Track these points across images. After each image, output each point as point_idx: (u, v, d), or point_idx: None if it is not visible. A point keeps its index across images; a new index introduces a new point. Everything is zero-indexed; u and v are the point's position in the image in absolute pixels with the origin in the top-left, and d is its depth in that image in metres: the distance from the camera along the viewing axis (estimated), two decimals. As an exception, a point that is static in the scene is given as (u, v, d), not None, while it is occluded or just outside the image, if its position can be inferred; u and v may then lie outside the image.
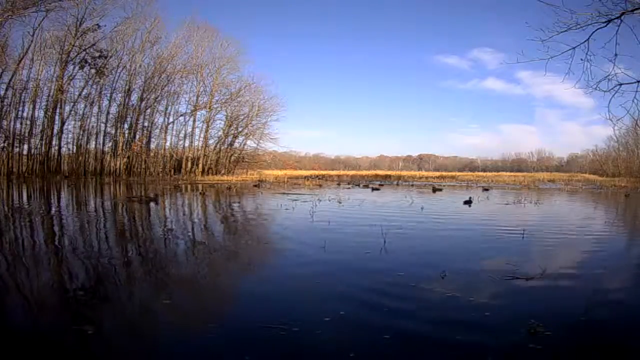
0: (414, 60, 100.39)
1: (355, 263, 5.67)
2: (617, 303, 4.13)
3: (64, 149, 35.92)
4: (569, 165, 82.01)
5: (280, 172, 49.22)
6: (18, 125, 33.54)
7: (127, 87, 37.00)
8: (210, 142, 42.70)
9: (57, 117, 34.38)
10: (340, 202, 14.81)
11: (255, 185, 27.21)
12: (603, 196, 22.88)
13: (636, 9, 6.00)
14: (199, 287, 4.63)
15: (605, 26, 6.21)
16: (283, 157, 58.39)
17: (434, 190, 23.54)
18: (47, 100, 34.07)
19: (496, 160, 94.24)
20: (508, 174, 60.14)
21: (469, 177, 49.95)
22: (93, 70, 34.54)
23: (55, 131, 34.50)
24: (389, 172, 59.87)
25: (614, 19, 6.12)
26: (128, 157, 37.13)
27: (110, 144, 37.33)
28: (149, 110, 38.79)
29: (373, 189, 24.40)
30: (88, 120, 36.40)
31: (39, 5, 27.11)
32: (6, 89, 31.92)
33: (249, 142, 45.16)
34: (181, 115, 41.09)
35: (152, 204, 13.14)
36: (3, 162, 32.45)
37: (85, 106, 36.00)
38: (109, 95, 36.98)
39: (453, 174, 62.41)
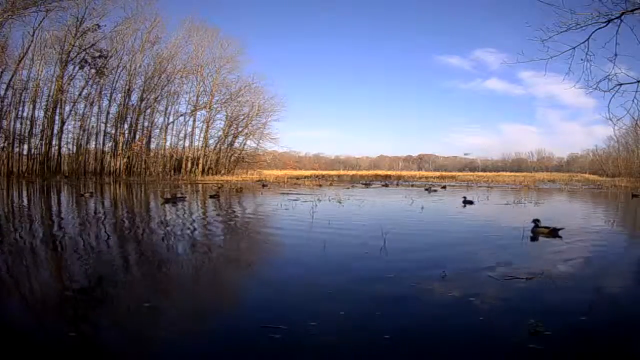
0: (415, 60, 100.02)
1: (355, 263, 5.66)
2: (617, 303, 4.13)
3: (64, 149, 36.07)
4: (569, 165, 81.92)
5: (280, 172, 49.27)
6: (18, 125, 33.70)
7: (127, 87, 37.06)
8: (210, 142, 42.84)
9: (57, 117, 34.45)
10: (340, 202, 14.79)
11: (262, 185, 27.17)
12: (603, 196, 22.86)
13: (636, 9, 6.01)
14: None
15: (605, 26, 6.22)
16: (283, 157, 58.55)
17: (426, 189, 23.78)
18: (47, 100, 34.17)
19: (496, 161, 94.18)
20: (508, 173, 60.04)
21: (469, 177, 49.88)
22: (93, 70, 34.59)
23: (55, 131, 34.60)
24: (389, 172, 59.73)
25: (614, 19, 6.13)
26: (128, 157, 37.15)
27: (110, 144, 37.45)
28: (149, 110, 38.86)
29: (374, 187, 24.38)
30: (88, 120, 36.53)
31: (39, 5, 27.18)
32: (6, 89, 32.05)
33: (249, 142, 45.34)
34: (181, 115, 41.21)
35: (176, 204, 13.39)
36: (3, 162, 32.48)
37: (85, 106, 36.11)
38: (109, 95, 37.10)
39: (453, 174, 62.33)
